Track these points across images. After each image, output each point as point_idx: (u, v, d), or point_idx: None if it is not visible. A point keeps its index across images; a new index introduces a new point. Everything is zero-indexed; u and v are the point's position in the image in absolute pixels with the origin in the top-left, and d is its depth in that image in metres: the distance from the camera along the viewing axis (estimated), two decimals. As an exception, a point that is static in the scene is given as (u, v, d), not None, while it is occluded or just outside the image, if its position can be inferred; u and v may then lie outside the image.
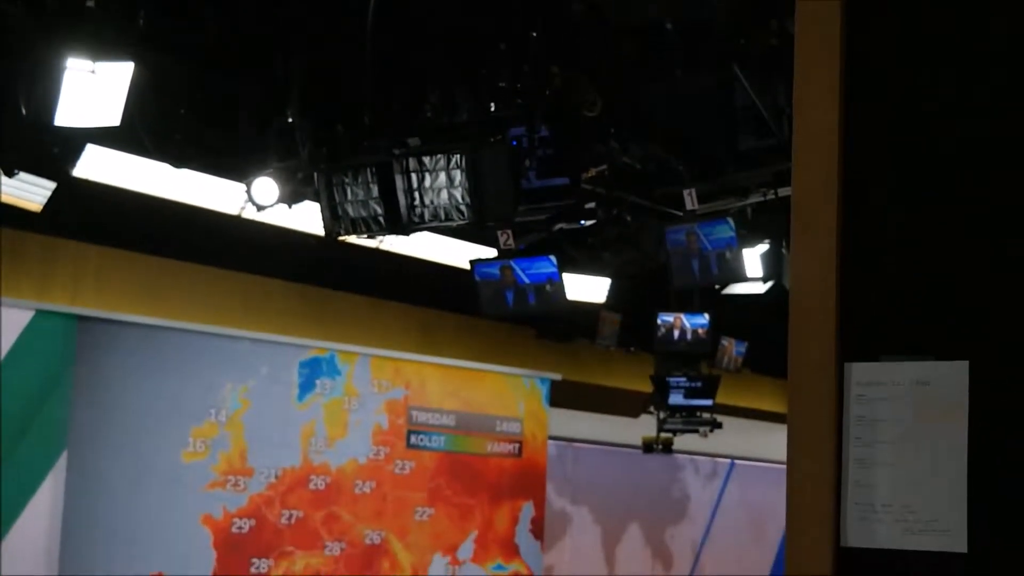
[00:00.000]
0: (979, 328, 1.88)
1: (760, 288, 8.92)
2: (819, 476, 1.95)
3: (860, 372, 1.95)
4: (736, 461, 13.81)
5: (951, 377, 1.88)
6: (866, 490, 1.92)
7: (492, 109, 6.43)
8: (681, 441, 12.00)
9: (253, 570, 9.06)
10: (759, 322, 10.69)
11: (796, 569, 1.95)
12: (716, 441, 12.45)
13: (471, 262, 8.03)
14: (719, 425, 11.35)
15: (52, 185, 6.93)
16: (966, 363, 1.87)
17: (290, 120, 6.74)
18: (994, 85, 1.92)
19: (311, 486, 9.40)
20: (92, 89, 5.67)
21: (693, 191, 6.97)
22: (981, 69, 1.93)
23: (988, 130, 1.91)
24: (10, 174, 6.67)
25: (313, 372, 9.45)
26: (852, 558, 1.91)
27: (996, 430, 1.85)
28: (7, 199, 6.94)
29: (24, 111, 5.83)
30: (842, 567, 1.91)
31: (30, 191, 6.92)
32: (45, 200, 6.98)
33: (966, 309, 1.89)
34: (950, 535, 1.84)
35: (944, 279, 1.91)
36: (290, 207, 7.08)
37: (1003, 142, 1.90)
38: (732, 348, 11.43)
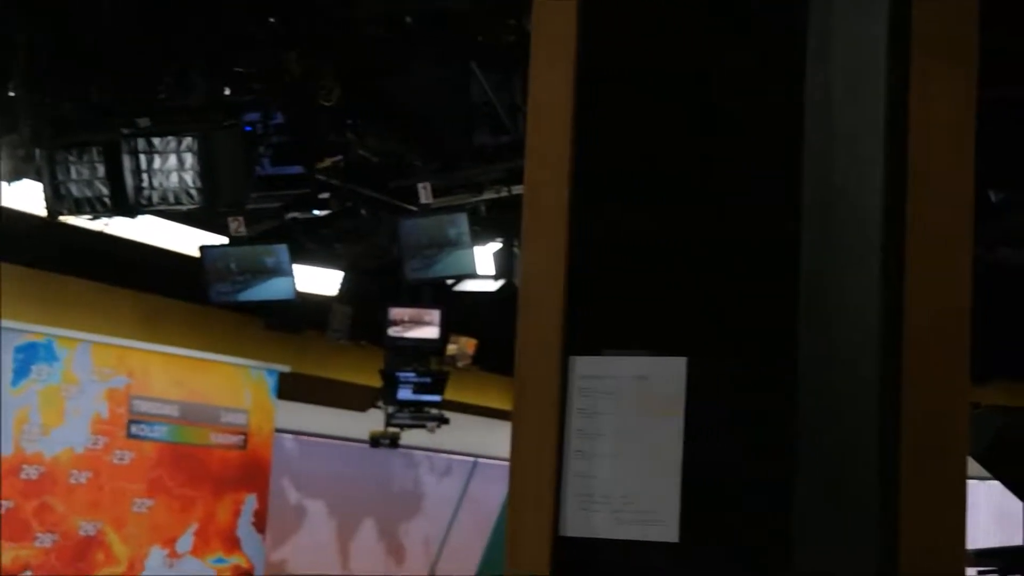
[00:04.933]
0: (696, 325, 1.94)
1: (492, 286, 9.00)
2: (540, 466, 1.98)
3: (583, 365, 1.98)
4: (480, 460, 13.90)
5: (669, 372, 1.93)
6: (586, 481, 1.95)
7: (227, 93, 6.31)
8: (419, 438, 12.03)
9: (-42, 563, 8.67)
10: (490, 320, 10.81)
11: (514, 558, 1.97)
12: (455, 438, 12.55)
13: (200, 248, 7.86)
14: (446, 421, 11.41)
15: None
16: (684, 359, 1.93)
17: (12, 94, 6.47)
18: (715, 102, 1.99)
19: (23, 475, 9.04)
20: None
21: (428, 185, 6.99)
22: (704, 85, 1.99)
23: (709, 144, 1.97)
24: None
25: (29, 357, 9.08)
26: (569, 547, 1.94)
27: (711, 425, 1.91)
28: None
29: None
30: (559, 556, 1.95)
31: None
32: None
33: (684, 307, 1.95)
34: (664, 526, 1.89)
35: (664, 278, 1.97)
36: (9, 184, 6.79)
37: (719, 155, 1.97)
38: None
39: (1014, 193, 7.14)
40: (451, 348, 11.19)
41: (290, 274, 7.75)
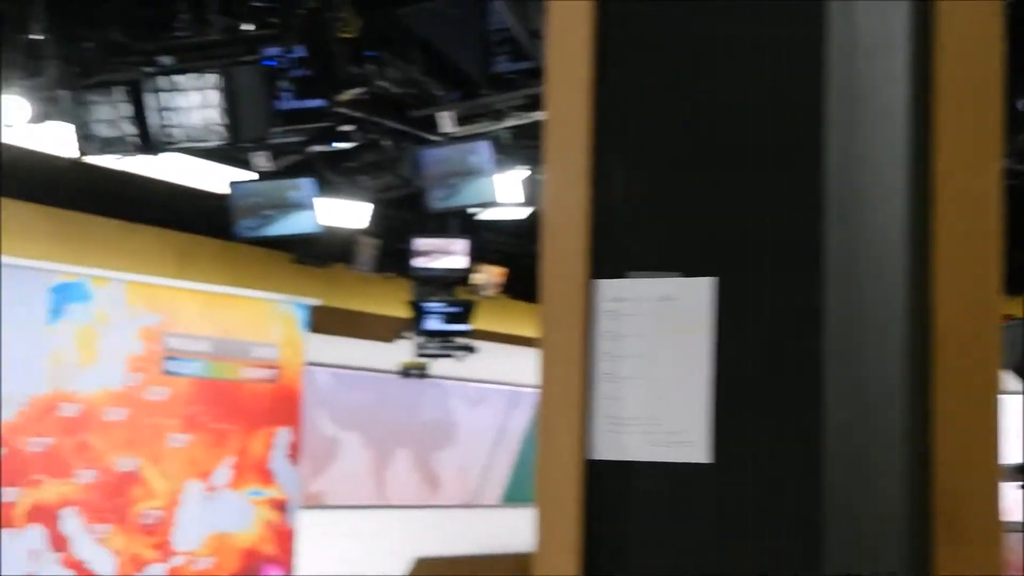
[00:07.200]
0: (725, 245, 1.93)
1: (520, 214, 8.99)
2: (568, 391, 1.98)
3: (608, 289, 1.98)
4: (514, 388, 13.89)
5: (696, 293, 1.93)
6: (614, 404, 1.96)
7: (244, 28, 6.29)
8: (448, 368, 12.10)
9: (2, 500, 8.78)
10: (517, 248, 10.81)
11: (544, 482, 1.98)
12: (485, 367, 12.61)
13: (230, 184, 7.89)
14: (472, 350, 11.45)
15: None
16: (711, 279, 1.92)
17: (35, 37, 6.46)
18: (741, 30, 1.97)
19: (61, 413, 9.14)
20: None
21: (450, 114, 6.96)
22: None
23: (731, 61, 1.96)
24: None
25: (63, 298, 9.15)
26: (599, 470, 1.95)
27: (738, 345, 1.91)
28: None
29: None
30: (589, 479, 1.96)
31: None
32: None
33: (713, 228, 1.94)
34: (694, 446, 1.90)
35: (691, 198, 1.96)
36: (36, 126, 6.80)
37: (742, 67, 1.95)
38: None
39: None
40: (478, 277, 11.20)
41: (315, 208, 7.76)
